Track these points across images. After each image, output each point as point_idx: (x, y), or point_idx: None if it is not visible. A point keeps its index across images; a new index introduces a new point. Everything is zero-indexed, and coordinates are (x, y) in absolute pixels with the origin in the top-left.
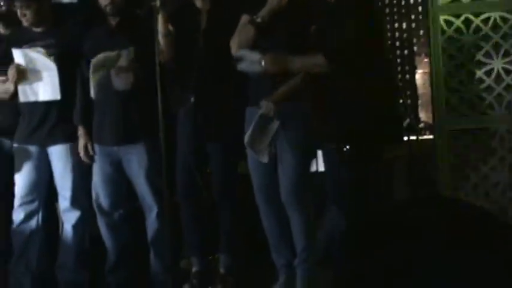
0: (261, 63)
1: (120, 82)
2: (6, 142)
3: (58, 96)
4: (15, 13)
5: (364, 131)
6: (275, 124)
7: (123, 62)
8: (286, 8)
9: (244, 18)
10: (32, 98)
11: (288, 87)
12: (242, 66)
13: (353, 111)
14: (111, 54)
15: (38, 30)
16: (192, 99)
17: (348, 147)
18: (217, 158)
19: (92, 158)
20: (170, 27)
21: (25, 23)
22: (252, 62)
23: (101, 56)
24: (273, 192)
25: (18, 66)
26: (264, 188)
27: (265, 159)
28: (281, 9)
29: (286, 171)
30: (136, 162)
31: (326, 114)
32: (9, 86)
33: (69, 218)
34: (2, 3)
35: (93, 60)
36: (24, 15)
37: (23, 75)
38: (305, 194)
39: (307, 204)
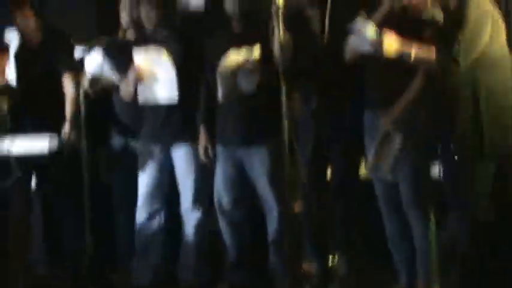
0: (373, 44)
1: (247, 83)
2: (132, 142)
3: (175, 99)
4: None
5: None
6: (397, 139)
7: (249, 64)
8: (400, 11)
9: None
10: (150, 100)
11: (406, 100)
12: (352, 42)
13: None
14: (238, 57)
15: (162, 33)
16: (315, 101)
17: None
18: (337, 160)
19: (211, 160)
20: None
21: (149, 26)
22: (365, 38)
23: (227, 59)
24: (395, 198)
25: (139, 67)
26: (386, 195)
27: (390, 176)
28: (395, 11)
29: (407, 178)
30: (258, 164)
31: (443, 116)
32: (131, 87)
33: (190, 218)
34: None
35: (221, 63)
36: (150, 17)
37: (143, 76)
38: (426, 199)
39: (429, 209)
